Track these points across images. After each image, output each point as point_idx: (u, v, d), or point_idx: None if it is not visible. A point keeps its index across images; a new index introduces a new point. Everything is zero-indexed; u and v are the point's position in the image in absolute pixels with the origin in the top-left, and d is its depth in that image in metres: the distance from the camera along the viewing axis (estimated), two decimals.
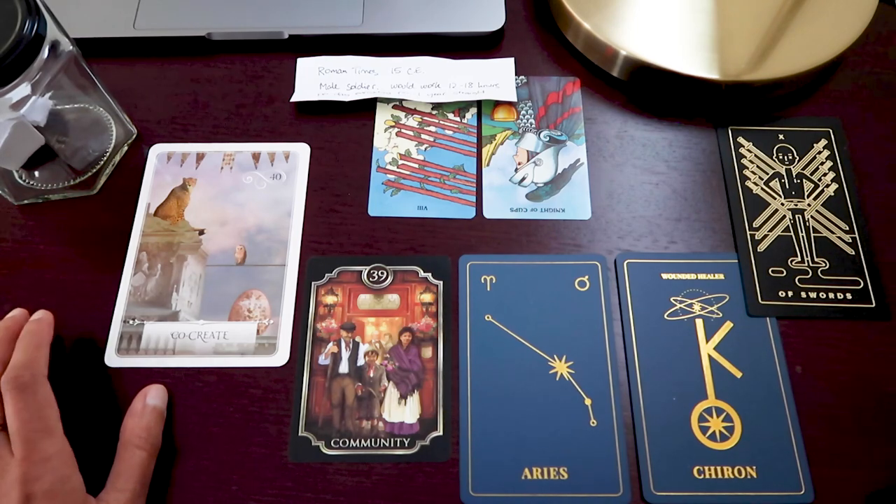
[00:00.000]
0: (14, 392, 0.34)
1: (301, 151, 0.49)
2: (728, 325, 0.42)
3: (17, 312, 0.40)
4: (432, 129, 0.49)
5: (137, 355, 0.42)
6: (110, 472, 0.36)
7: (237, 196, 0.47)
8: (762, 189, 0.46)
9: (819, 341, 0.42)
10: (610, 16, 0.49)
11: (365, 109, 0.50)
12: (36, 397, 0.35)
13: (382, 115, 0.50)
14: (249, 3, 0.52)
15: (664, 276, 0.44)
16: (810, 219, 0.45)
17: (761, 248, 0.44)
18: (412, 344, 0.42)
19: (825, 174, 0.47)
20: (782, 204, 0.46)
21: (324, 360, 0.42)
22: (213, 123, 0.50)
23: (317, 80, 0.50)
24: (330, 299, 0.43)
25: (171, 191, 0.47)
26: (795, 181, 0.47)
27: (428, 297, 0.43)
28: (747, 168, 0.47)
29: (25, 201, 0.46)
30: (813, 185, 0.46)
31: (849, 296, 0.43)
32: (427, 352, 0.42)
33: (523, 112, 0.50)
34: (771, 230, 0.45)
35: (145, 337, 0.42)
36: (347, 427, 0.40)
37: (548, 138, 0.49)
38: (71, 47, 0.41)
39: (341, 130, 0.49)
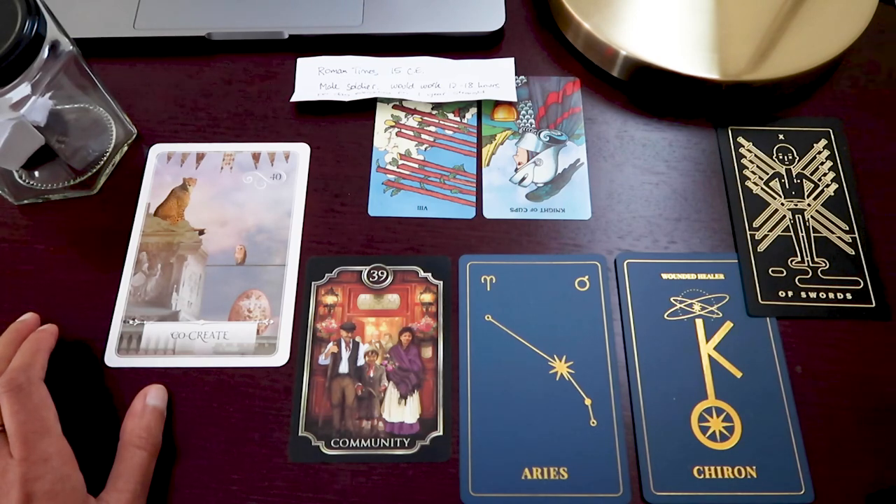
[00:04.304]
0: (10, 394, 0.34)
1: (301, 151, 0.49)
2: (728, 325, 0.42)
3: (28, 317, 0.41)
4: (432, 129, 0.49)
5: (137, 355, 0.42)
6: (110, 472, 0.36)
7: (237, 196, 0.47)
8: (762, 189, 0.46)
9: (819, 341, 0.42)
10: (610, 16, 0.49)
11: (365, 109, 0.50)
12: (31, 399, 0.35)
13: (382, 115, 0.50)
14: (249, 3, 0.52)
15: (664, 276, 0.44)
16: (810, 219, 0.45)
17: (761, 248, 0.44)
18: (412, 344, 0.42)
19: (825, 174, 0.47)
20: (782, 204, 0.46)
21: (324, 360, 0.42)
22: (213, 123, 0.50)
23: (317, 80, 0.50)
24: (330, 299, 0.43)
25: (171, 191, 0.47)
26: (795, 181, 0.47)
27: (428, 297, 0.43)
28: (747, 168, 0.47)
29: (25, 201, 0.46)
30: (813, 185, 0.46)
31: (849, 296, 0.43)
32: (427, 352, 0.42)
33: (523, 112, 0.50)
34: (771, 230, 0.45)
35: (145, 337, 0.42)
36: (347, 427, 0.40)
37: (548, 138, 0.49)
38: (71, 47, 0.41)
39: (341, 130, 0.49)
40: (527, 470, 0.38)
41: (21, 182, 0.46)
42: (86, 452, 0.35)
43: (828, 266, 0.44)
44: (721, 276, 0.43)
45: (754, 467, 0.38)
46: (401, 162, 0.48)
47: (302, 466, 0.39)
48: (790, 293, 0.43)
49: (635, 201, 0.46)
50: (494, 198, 0.47)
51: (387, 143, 0.49)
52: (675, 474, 0.38)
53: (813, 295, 0.43)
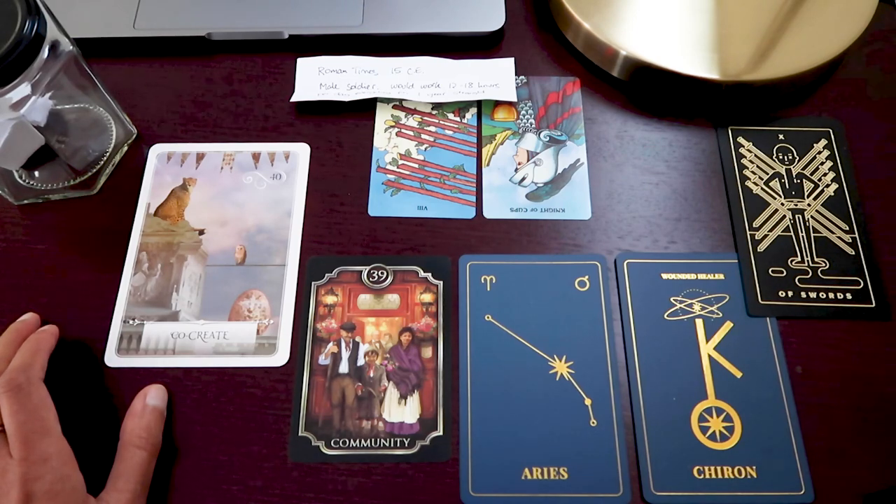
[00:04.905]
0: (9, 394, 0.34)
1: (301, 151, 0.49)
2: (728, 325, 0.42)
3: (28, 317, 0.41)
4: (432, 129, 0.49)
5: (137, 355, 0.42)
6: (110, 472, 0.36)
7: (237, 196, 0.47)
8: (762, 189, 0.46)
9: (819, 341, 0.42)
10: (610, 16, 0.49)
11: (365, 109, 0.50)
12: (31, 399, 0.35)
13: (382, 115, 0.50)
14: (249, 3, 0.52)
15: (664, 276, 0.44)
16: (810, 219, 0.45)
17: (761, 248, 0.44)
18: (412, 344, 0.42)
19: (825, 174, 0.47)
20: (782, 204, 0.46)
21: (324, 360, 0.42)
22: (213, 123, 0.50)
23: (317, 80, 0.50)
24: (330, 299, 0.43)
25: (171, 191, 0.47)
26: (795, 181, 0.47)
27: (428, 297, 0.43)
28: (747, 168, 0.47)
29: (25, 201, 0.46)
30: (813, 185, 0.46)
31: (849, 296, 0.43)
32: (427, 352, 0.42)
33: (523, 112, 0.50)
34: (771, 230, 0.45)
35: (145, 337, 0.42)
36: (347, 427, 0.40)
37: (548, 138, 0.49)
38: (71, 47, 0.41)
39: (341, 130, 0.49)
40: (527, 470, 0.38)
41: (21, 182, 0.46)
42: (86, 452, 0.35)
43: (828, 266, 0.44)
44: (721, 276, 0.43)
45: (754, 467, 0.38)
46: (401, 162, 0.48)
47: (302, 466, 0.39)
48: (790, 293, 0.43)
49: (635, 201, 0.46)
50: (494, 198, 0.47)
51: (387, 143, 0.49)
52: (675, 474, 0.38)
53: (813, 295, 0.43)
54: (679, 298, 0.43)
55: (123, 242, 0.45)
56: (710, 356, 0.41)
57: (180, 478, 0.39)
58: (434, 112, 0.50)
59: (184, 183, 0.47)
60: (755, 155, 0.48)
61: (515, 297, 0.43)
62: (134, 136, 0.49)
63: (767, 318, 0.42)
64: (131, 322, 0.43)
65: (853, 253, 0.44)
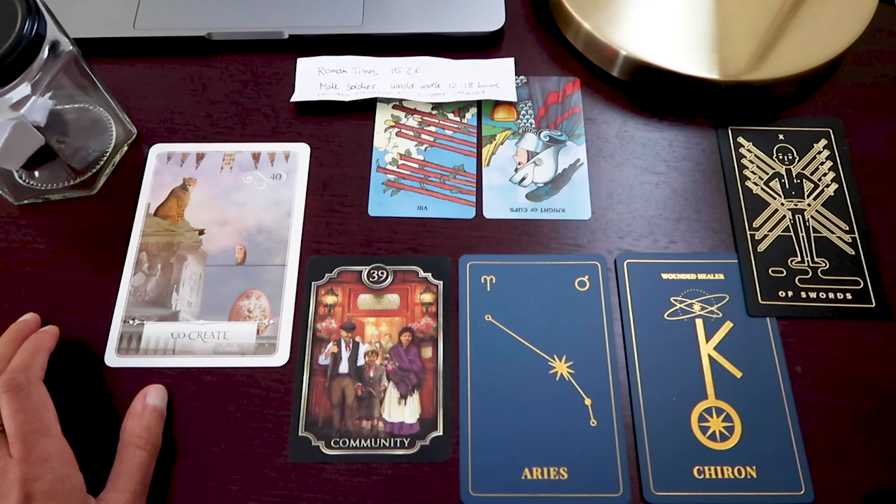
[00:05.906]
0: (9, 394, 0.34)
1: (301, 151, 0.49)
2: (728, 325, 0.42)
3: (29, 317, 0.41)
4: (432, 129, 0.49)
5: (137, 355, 0.42)
6: (110, 472, 0.36)
7: (237, 196, 0.47)
8: (762, 189, 0.46)
9: (819, 341, 0.42)
10: (610, 16, 0.49)
11: (365, 109, 0.50)
12: (31, 399, 0.35)
13: (382, 115, 0.50)
14: (249, 3, 0.52)
15: (664, 276, 0.44)
16: (810, 219, 0.45)
17: (761, 248, 0.44)
18: (412, 344, 0.42)
19: (825, 174, 0.47)
20: (782, 204, 0.46)
21: (324, 360, 0.42)
22: (213, 123, 0.50)
23: (317, 80, 0.50)
24: (330, 299, 0.43)
25: (171, 191, 0.47)
26: (795, 181, 0.47)
27: (428, 297, 0.43)
28: (747, 168, 0.47)
29: (25, 201, 0.46)
30: (813, 185, 0.46)
31: (849, 296, 0.43)
32: (427, 352, 0.42)
33: (523, 112, 0.50)
34: (771, 230, 0.45)
35: (145, 337, 0.42)
36: (347, 427, 0.40)
37: (548, 138, 0.49)
38: (71, 47, 0.41)
39: (341, 130, 0.49)
40: (527, 470, 0.38)
41: (21, 182, 0.46)
42: (86, 452, 0.35)
43: (828, 266, 0.44)
44: (721, 276, 0.43)
45: (754, 467, 0.38)
46: (401, 162, 0.48)
47: (302, 466, 0.39)
48: (790, 293, 0.43)
49: (635, 201, 0.46)
50: (494, 198, 0.47)
51: (387, 143, 0.49)
52: (675, 474, 0.38)
53: (813, 295, 0.43)
54: (679, 298, 0.43)
55: (123, 242, 0.45)
56: (710, 356, 0.41)
57: (180, 478, 0.39)
58: (434, 112, 0.50)
59: (184, 183, 0.47)
60: (755, 155, 0.48)
61: (515, 297, 0.43)
62: (134, 136, 0.49)
63: (767, 318, 0.42)
64: (131, 322, 0.43)
65: (853, 253, 0.44)
